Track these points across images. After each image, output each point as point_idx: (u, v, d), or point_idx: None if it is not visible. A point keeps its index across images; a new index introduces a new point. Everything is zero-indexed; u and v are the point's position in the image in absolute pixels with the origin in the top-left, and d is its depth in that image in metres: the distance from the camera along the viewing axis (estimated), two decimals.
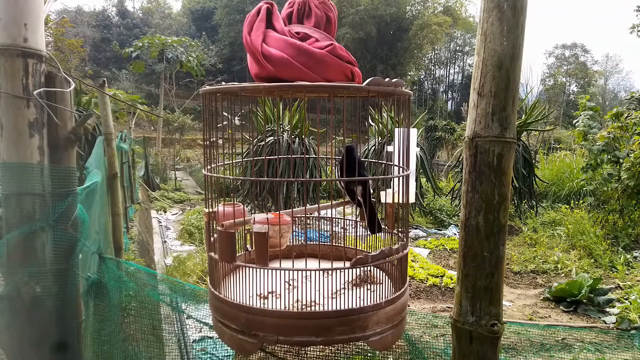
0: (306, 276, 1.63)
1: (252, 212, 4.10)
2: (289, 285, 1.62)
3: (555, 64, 37.50)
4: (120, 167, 5.34)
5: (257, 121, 7.11)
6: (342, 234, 1.95)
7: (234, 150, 1.70)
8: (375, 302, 1.44)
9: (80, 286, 1.81)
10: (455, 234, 7.90)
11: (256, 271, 1.52)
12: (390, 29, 29.48)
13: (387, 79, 1.40)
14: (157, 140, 19.37)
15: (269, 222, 1.46)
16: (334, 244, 1.96)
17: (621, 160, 6.87)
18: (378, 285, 1.61)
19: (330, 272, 1.59)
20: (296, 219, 2.40)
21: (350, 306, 1.42)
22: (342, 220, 2.02)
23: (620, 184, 6.83)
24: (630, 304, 4.56)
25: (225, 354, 2.86)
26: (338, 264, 1.62)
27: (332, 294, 1.55)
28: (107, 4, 35.20)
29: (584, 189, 8.79)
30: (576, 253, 6.48)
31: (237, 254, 1.57)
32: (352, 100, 1.85)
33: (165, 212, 10.38)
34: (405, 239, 1.60)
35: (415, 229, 8.26)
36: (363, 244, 1.92)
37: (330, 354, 2.50)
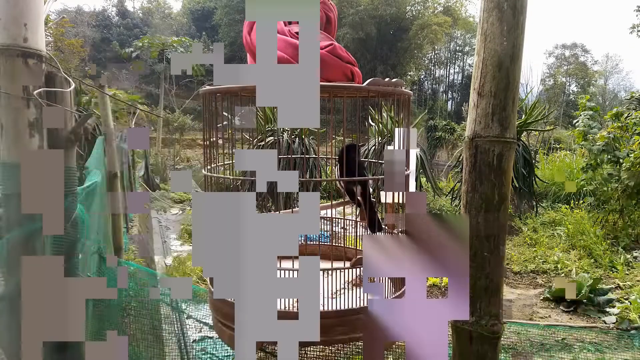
0: None
1: None
2: None
3: (555, 64, 37.42)
4: (120, 167, 5.34)
5: (257, 121, 7.10)
6: (342, 234, 1.95)
7: (233, 150, 1.70)
8: None
9: None
10: None
11: None
12: (390, 29, 29.45)
13: (387, 79, 1.40)
14: (157, 140, 19.35)
15: None
16: (334, 244, 1.96)
17: (621, 160, 6.87)
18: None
19: (330, 272, 1.59)
20: None
21: (350, 306, 1.42)
22: (342, 220, 2.02)
23: (620, 184, 6.83)
24: (630, 304, 4.56)
25: (225, 354, 2.86)
26: (338, 264, 1.62)
27: (332, 294, 1.55)
28: (107, 4, 35.13)
29: (584, 189, 8.79)
30: (576, 253, 6.48)
31: None
32: (352, 100, 1.85)
33: (165, 212, 10.37)
34: None
35: None
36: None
37: (330, 354, 2.50)
